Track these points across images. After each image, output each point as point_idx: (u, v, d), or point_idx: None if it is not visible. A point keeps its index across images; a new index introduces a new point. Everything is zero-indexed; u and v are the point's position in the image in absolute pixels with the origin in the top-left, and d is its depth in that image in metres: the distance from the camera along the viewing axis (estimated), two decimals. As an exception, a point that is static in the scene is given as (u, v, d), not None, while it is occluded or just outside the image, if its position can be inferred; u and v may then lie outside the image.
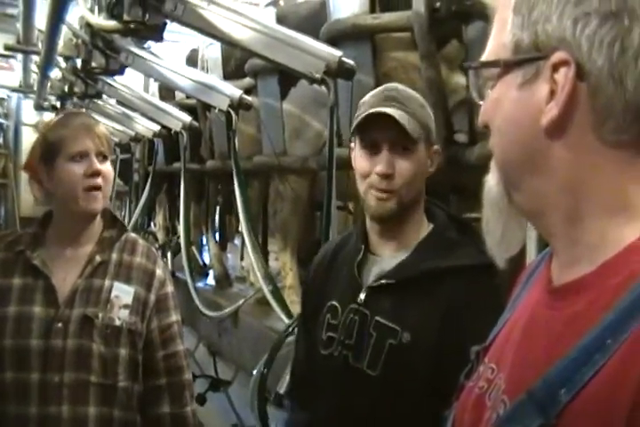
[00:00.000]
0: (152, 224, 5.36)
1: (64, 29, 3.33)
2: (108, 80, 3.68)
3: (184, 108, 3.98)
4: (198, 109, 3.95)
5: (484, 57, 0.66)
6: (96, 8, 2.81)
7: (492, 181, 0.69)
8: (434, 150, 1.25)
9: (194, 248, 4.66)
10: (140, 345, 1.53)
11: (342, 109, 2.41)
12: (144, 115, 4.05)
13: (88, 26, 3.04)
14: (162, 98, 4.52)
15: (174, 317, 1.58)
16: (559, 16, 0.59)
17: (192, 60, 4.10)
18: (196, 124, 3.65)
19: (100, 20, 2.68)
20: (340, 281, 1.31)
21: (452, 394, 1.00)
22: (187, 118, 3.63)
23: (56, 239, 1.57)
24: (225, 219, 5.16)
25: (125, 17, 2.46)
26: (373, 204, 1.22)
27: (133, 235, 1.63)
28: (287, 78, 2.79)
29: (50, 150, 1.51)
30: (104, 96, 4.12)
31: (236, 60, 3.49)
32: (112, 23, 2.57)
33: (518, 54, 0.62)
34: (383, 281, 1.22)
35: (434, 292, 1.18)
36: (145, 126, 4.30)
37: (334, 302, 1.29)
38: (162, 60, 2.89)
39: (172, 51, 4.44)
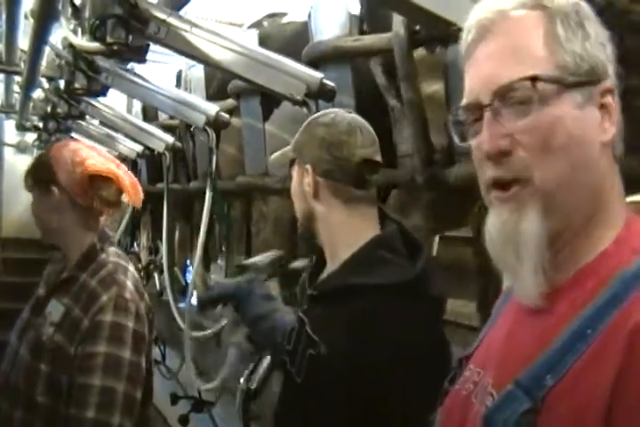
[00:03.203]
0: (135, 245, 5.33)
1: (47, 50, 3.34)
2: (91, 101, 3.68)
3: (167, 128, 3.99)
4: (181, 130, 3.96)
5: (520, 75, 0.68)
6: (79, 29, 2.82)
7: (531, 214, 0.68)
8: (305, 168, 1.32)
9: (177, 269, 4.64)
10: (61, 366, 1.49)
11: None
12: (127, 135, 4.05)
13: (71, 47, 3.05)
14: (146, 119, 4.52)
15: (102, 347, 1.47)
16: (601, 54, 0.71)
17: (180, 78, 4.13)
18: (179, 144, 3.65)
19: (83, 42, 2.69)
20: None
21: (371, 405, 1.07)
22: (169, 139, 3.63)
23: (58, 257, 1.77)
24: (209, 239, 5.14)
25: (108, 39, 2.47)
26: None
27: (111, 258, 1.65)
28: (269, 99, 2.81)
29: None
30: (87, 117, 4.11)
31: (219, 81, 3.51)
32: (95, 45, 2.57)
33: (574, 77, 0.68)
34: (309, 292, 1.29)
35: (350, 306, 1.20)
36: (128, 147, 4.29)
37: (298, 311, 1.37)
38: (143, 80, 2.89)
39: (163, 71, 4.46)
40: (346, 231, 1.30)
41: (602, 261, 0.68)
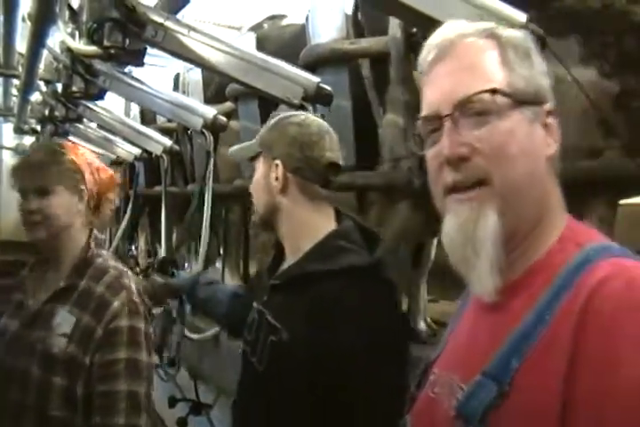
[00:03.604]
0: (134, 248, 5.32)
1: (45, 53, 3.34)
2: (89, 104, 3.68)
3: (165, 131, 3.99)
4: (179, 133, 3.96)
5: (482, 87, 0.77)
6: (77, 33, 2.82)
7: (489, 213, 0.75)
8: (274, 164, 1.38)
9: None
10: (77, 376, 1.46)
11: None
12: (125, 139, 4.05)
13: (69, 50, 3.05)
14: (144, 122, 4.52)
15: (123, 353, 1.47)
16: (544, 81, 0.80)
17: (177, 81, 4.14)
18: (176, 147, 3.65)
19: (80, 45, 2.69)
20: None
21: (332, 392, 1.15)
22: (167, 142, 3.63)
23: (41, 263, 1.67)
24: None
25: (105, 42, 2.47)
26: None
27: (110, 262, 1.63)
28: (267, 102, 2.81)
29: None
30: (85, 120, 4.11)
31: (217, 84, 3.51)
32: (92, 48, 2.57)
33: (524, 97, 0.77)
34: (272, 282, 1.35)
35: (310, 293, 1.25)
36: (126, 150, 4.29)
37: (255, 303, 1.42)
38: (141, 83, 2.90)
39: (160, 75, 4.47)
40: (309, 226, 1.36)
41: (549, 258, 0.76)
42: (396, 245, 2.42)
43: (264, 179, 1.40)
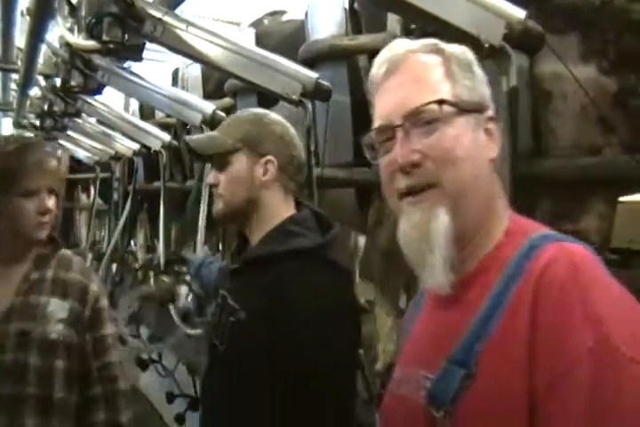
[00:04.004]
0: (132, 243, 5.32)
1: (44, 48, 3.33)
2: (88, 99, 3.68)
3: (164, 127, 3.98)
4: (178, 128, 3.95)
5: (429, 99, 0.84)
6: (75, 28, 2.81)
7: (441, 213, 0.81)
8: (265, 160, 1.42)
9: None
10: (75, 357, 1.61)
11: (320, 129, 2.42)
12: (124, 133, 4.05)
13: (67, 45, 3.04)
14: (143, 117, 4.51)
15: (108, 329, 1.69)
16: (485, 91, 0.88)
17: (176, 77, 4.13)
18: (175, 143, 3.64)
19: (79, 40, 2.69)
20: None
21: (291, 371, 1.22)
22: (166, 137, 3.63)
23: None
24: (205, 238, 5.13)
25: (104, 37, 2.46)
26: (214, 207, 1.46)
27: (68, 252, 1.74)
28: (266, 98, 2.80)
29: (2, 182, 1.56)
30: (84, 115, 4.11)
31: (216, 80, 3.50)
32: (91, 43, 2.57)
33: (467, 106, 0.84)
34: (231, 266, 1.44)
35: (264, 274, 1.33)
36: (125, 145, 4.29)
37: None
38: (139, 78, 2.89)
39: (159, 69, 4.46)
40: (278, 217, 1.44)
41: (499, 250, 0.82)
42: (395, 241, 2.42)
43: (247, 173, 1.43)
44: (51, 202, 1.60)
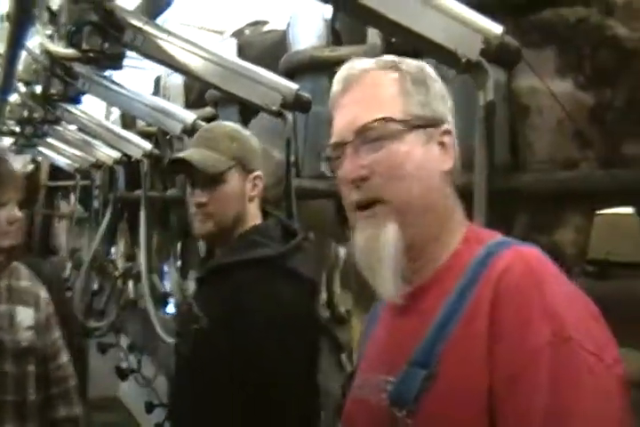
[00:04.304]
0: (113, 252, 5.29)
1: (24, 54, 3.30)
2: (68, 106, 3.65)
3: (145, 135, 3.96)
4: (159, 137, 3.93)
5: (377, 116, 0.86)
6: (55, 35, 2.79)
7: (389, 227, 0.84)
8: (253, 176, 1.43)
9: (156, 276, 4.60)
10: (40, 361, 1.72)
11: (301, 140, 2.42)
12: (104, 142, 4.02)
13: (47, 53, 3.02)
14: (125, 125, 4.49)
15: (57, 332, 1.83)
16: (442, 104, 0.91)
17: (158, 85, 4.11)
18: (157, 151, 3.63)
19: (59, 48, 2.67)
20: None
21: (250, 380, 1.24)
22: (147, 146, 3.61)
23: None
24: (187, 247, 5.11)
25: (84, 45, 2.45)
26: (196, 226, 1.44)
27: (14, 262, 1.80)
28: (248, 108, 2.80)
29: None
30: (64, 122, 4.08)
31: (199, 89, 3.49)
32: (71, 51, 2.55)
33: (419, 121, 0.86)
34: (197, 276, 1.48)
35: (225, 283, 1.36)
36: (105, 153, 4.26)
37: None
38: (120, 86, 2.87)
39: (141, 77, 4.44)
40: (249, 226, 1.47)
41: (456, 258, 0.85)
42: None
43: (240, 190, 1.43)
44: (19, 212, 1.67)
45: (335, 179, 0.91)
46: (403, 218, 0.84)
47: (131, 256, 5.12)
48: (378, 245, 0.84)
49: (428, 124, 0.88)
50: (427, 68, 0.94)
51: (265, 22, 3.42)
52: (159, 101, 2.99)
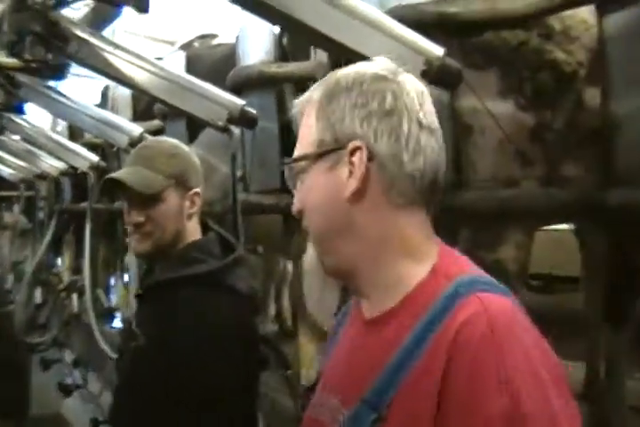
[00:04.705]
0: (59, 264, 5.17)
1: (-34, 62, 3.22)
2: (12, 116, 3.57)
3: (92, 147, 3.90)
4: (106, 148, 3.88)
5: (295, 155, 0.85)
6: (-2, 44, 2.73)
7: (310, 254, 0.82)
8: (192, 193, 1.42)
9: (100, 290, 4.52)
10: None
11: (248, 155, 2.42)
12: (50, 153, 3.94)
13: (-11, 62, 2.95)
14: (72, 136, 4.41)
15: None
16: (351, 118, 0.81)
17: (106, 95, 4.05)
18: (103, 164, 3.57)
19: (1, 57, 2.61)
20: None
21: (186, 398, 1.22)
22: (94, 158, 3.55)
23: None
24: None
25: (27, 55, 2.40)
26: (133, 245, 1.43)
27: None
28: (195, 122, 2.78)
29: None
30: (8, 132, 3.98)
31: (147, 101, 3.46)
32: (12, 60, 2.49)
33: (322, 148, 0.82)
34: (136, 293, 1.46)
35: (162, 300, 1.35)
36: (51, 164, 4.17)
37: None
38: (65, 97, 2.82)
39: (89, 86, 4.36)
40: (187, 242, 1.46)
41: (421, 289, 0.80)
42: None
43: (179, 208, 1.42)
44: None
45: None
46: (320, 247, 0.85)
47: (76, 269, 5.02)
48: (307, 267, 0.88)
49: (332, 148, 0.82)
50: (343, 78, 0.83)
51: (214, 35, 3.41)
52: (105, 113, 2.95)
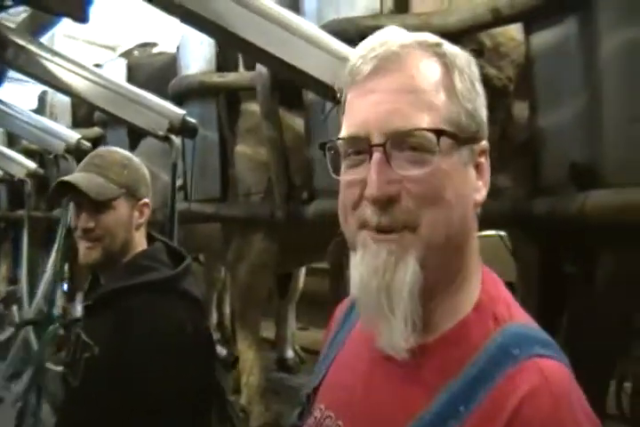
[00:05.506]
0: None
1: None
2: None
3: (30, 153, 3.82)
4: (44, 155, 3.81)
5: (429, 123, 0.65)
6: None
7: (411, 261, 0.65)
8: (141, 204, 1.44)
9: (41, 300, 4.41)
10: None
11: (189, 164, 2.42)
12: (-16, 159, 3.84)
13: None
14: (10, 143, 4.31)
15: None
16: (482, 110, 0.68)
17: (43, 101, 3.97)
18: (41, 171, 3.51)
19: None
20: None
21: (141, 406, 1.20)
22: (31, 165, 3.48)
23: None
24: (74, 268, 4.93)
25: (-38, 61, 2.36)
26: (82, 253, 1.40)
27: None
28: (136, 130, 2.77)
29: None
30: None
31: (87, 108, 3.42)
32: (-53, 67, 2.45)
33: (464, 134, 0.66)
34: (84, 303, 1.44)
35: (114, 308, 1.34)
36: (-14, 171, 4.07)
37: None
38: (1, 102, 2.77)
39: (26, 91, 4.28)
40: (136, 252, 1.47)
41: (466, 329, 0.67)
42: (254, 276, 2.45)
43: (128, 218, 1.43)
44: None
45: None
46: (430, 254, 0.65)
47: (13, 279, 4.90)
48: (391, 280, 0.65)
49: (473, 139, 0.67)
50: (474, 62, 0.70)
51: (154, 44, 3.40)
52: (41, 119, 2.90)
